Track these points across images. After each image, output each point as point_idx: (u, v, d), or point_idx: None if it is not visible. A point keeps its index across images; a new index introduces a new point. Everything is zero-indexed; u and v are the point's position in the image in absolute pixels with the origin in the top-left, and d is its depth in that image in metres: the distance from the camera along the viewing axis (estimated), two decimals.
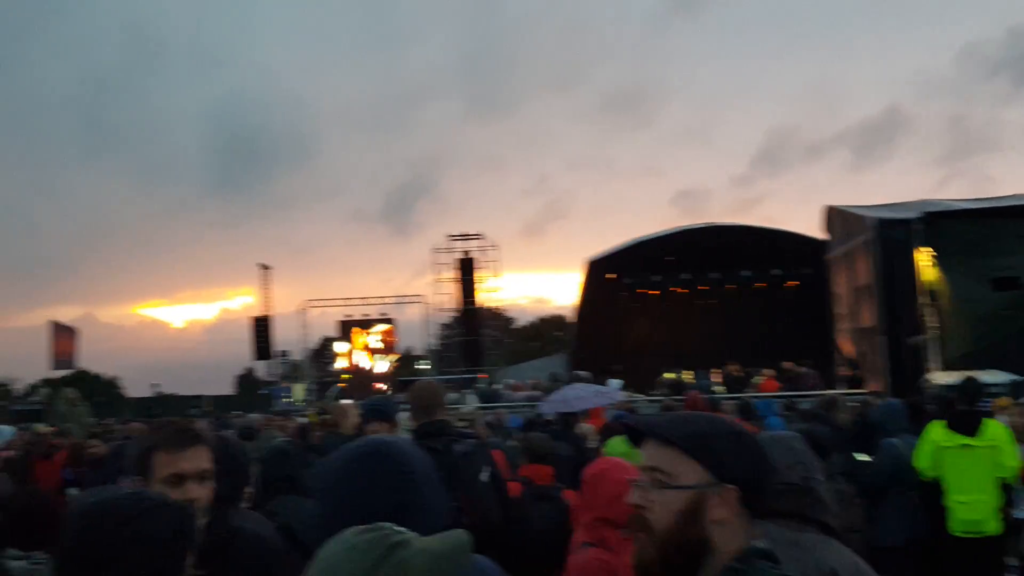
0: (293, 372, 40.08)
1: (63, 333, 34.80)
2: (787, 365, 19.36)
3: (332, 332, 40.71)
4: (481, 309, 36.78)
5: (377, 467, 1.67)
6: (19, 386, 59.29)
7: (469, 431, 5.24)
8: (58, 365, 34.99)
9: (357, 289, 72.59)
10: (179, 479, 2.15)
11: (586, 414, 9.16)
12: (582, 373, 14.14)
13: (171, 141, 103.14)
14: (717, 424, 1.56)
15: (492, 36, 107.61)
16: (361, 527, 1.24)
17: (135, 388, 48.16)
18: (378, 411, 5.83)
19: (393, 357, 37.50)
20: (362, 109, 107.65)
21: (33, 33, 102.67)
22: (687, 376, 21.21)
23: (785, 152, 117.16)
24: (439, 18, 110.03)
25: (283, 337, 38.49)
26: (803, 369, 18.94)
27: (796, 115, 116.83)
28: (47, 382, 35.47)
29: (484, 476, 3.88)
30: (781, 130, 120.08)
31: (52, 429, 11.75)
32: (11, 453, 8.95)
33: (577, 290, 26.45)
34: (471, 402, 15.42)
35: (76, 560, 1.52)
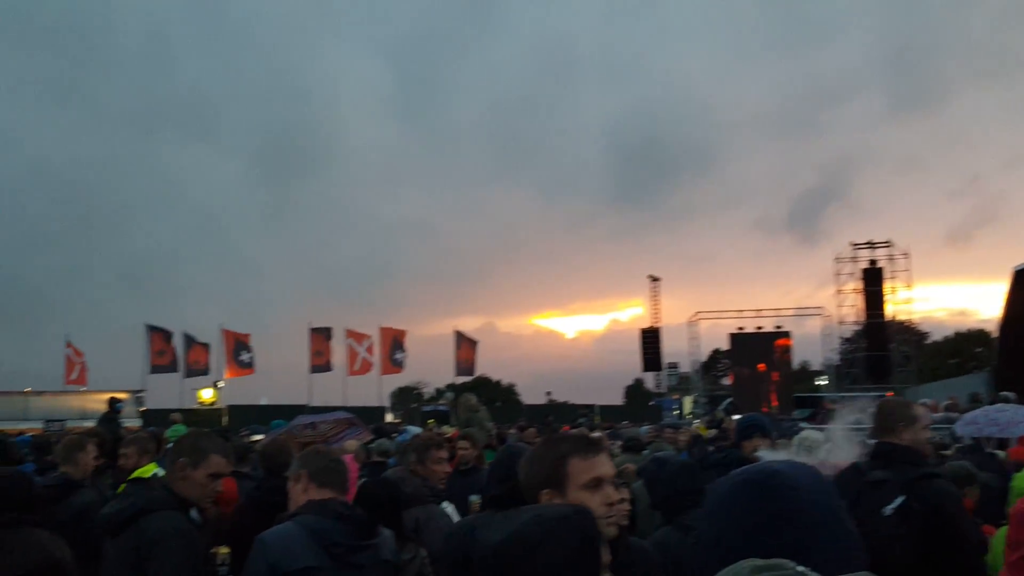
0: (682, 384, 40.41)
1: (466, 342, 38.28)
2: None
3: (723, 345, 40.50)
4: (890, 322, 34.44)
5: (762, 499, 1.54)
6: (428, 390, 66.53)
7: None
8: (461, 372, 38.58)
9: (751, 301, 71.56)
10: (598, 483, 2.22)
11: (1012, 441, 8.49)
12: (1008, 394, 12.42)
13: (574, 155, 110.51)
14: None
15: (916, 26, 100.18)
16: (760, 562, 1.18)
17: (530, 395, 51.44)
18: (756, 426, 5.47)
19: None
20: (770, 113, 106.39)
21: (448, 65, 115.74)
22: None
23: None
24: (856, 11, 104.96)
25: (672, 349, 38.73)
26: None
27: None
28: (451, 387, 39.31)
29: (889, 509, 3.56)
30: None
31: (453, 432, 12.79)
32: None
33: (1002, 302, 23.52)
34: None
35: None
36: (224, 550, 3.97)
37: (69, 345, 35.08)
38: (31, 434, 15.37)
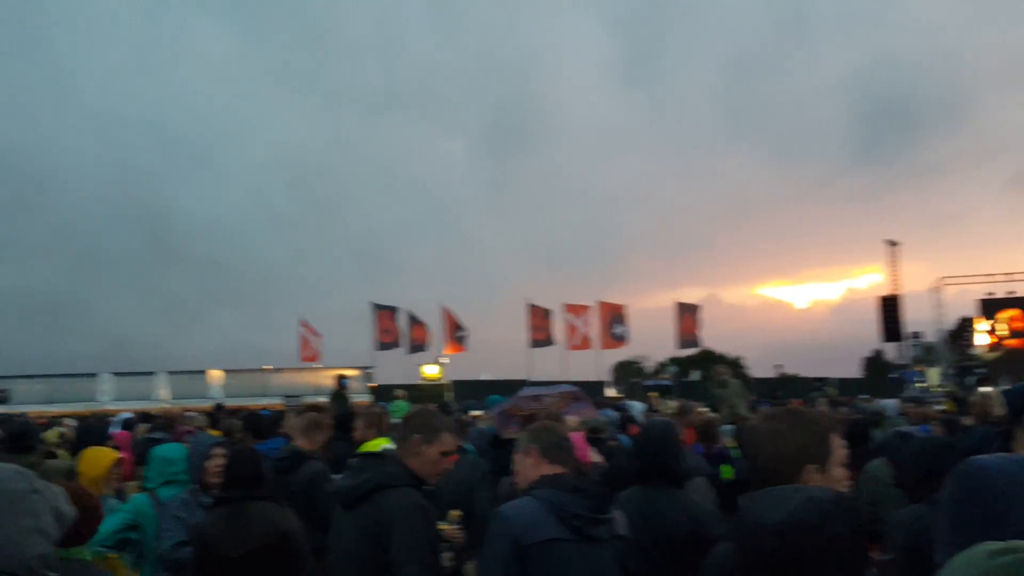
0: (927, 355, 37.87)
1: (687, 313, 37.64)
2: None
3: (970, 311, 37.88)
4: None
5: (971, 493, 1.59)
6: (649, 363, 66.14)
7: None
8: (683, 344, 38.02)
9: (1003, 264, 66.18)
10: (844, 461, 2.33)
11: None
12: None
13: (809, 116, 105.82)
14: None
15: None
16: (996, 546, 1.18)
17: (758, 368, 49.96)
18: None
19: None
20: None
21: (673, 26, 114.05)
22: None
23: None
24: None
25: (914, 317, 36.27)
26: None
27: None
28: (674, 360, 38.89)
29: None
30: None
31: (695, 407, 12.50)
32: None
33: None
34: None
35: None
36: (445, 526, 4.03)
37: (303, 323, 37.66)
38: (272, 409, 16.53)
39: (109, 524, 4.90)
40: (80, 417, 14.01)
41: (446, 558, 3.95)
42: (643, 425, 4.12)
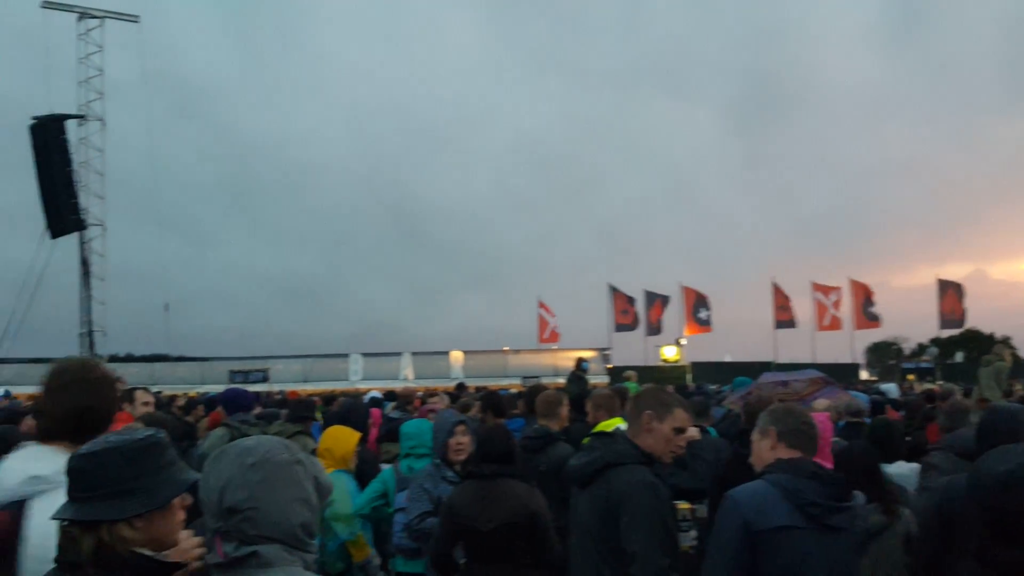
0: None
1: (951, 290, 35.04)
2: None
3: None
4: None
5: None
6: (908, 345, 62.14)
7: None
8: (946, 324, 35.44)
9: None
10: None
11: None
12: None
13: None
14: None
15: None
16: None
17: None
18: None
19: None
20: None
21: None
22: None
23: None
24: None
25: None
26: None
27: None
28: (935, 341, 36.29)
29: None
30: None
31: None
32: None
33: None
34: None
35: None
36: (685, 506, 4.00)
37: (542, 305, 38.45)
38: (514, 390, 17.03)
39: (367, 494, 5.30)
40: (334, 396, 15.06)
41: (689, 537, 3.95)
42: (990, 409, 3.87)
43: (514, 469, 4.46)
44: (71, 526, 2.00)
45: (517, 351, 40.13)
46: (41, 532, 2.38)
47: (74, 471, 2.06)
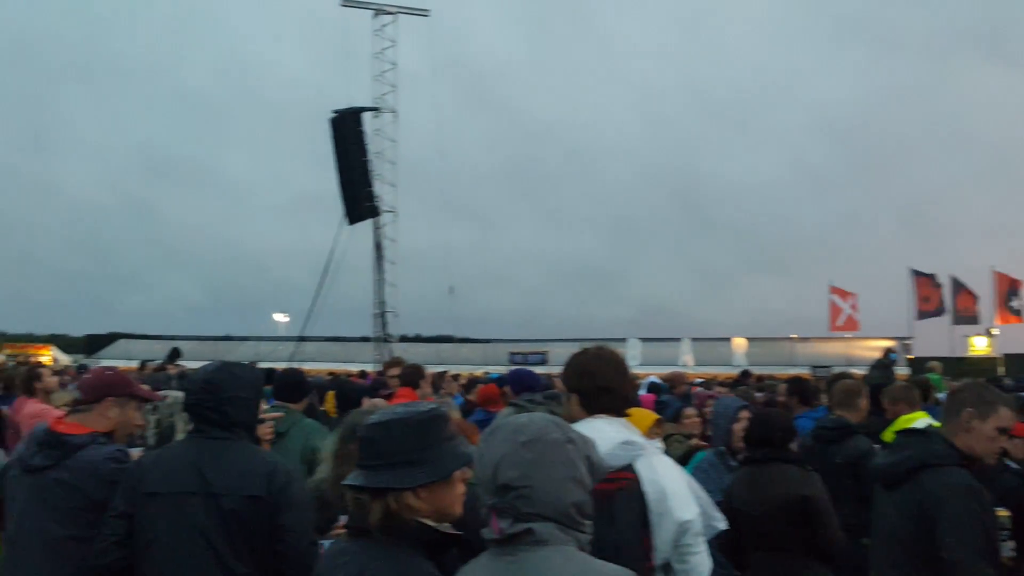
0: None
1: None
2: None
3: None
4: None
5: None
6: None
7: None
8: None
9: None
10: None
11: None
12: None
13: None
14: None
15: None
16: None
17: None
18: None
19: None
20: None
21: None
22: None
23: None
24: None
25: None
26: None
27: None
28: None
29: None
30: None
31: None
32: None
33: None
34: None
35: None
36: (1004, 513, 3.77)
37: (834, 290, 36.69)
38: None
39: None
40: None
41: (1008, 547, 3.70)
42: None
43: (789, 453, 4.41)
44: (361, 492, 2.11)
45: (806, 339, 38.65)
46: (652, 488, 2.91)
47: (365, 440, 2.18)
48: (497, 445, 2.01)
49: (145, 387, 3.98)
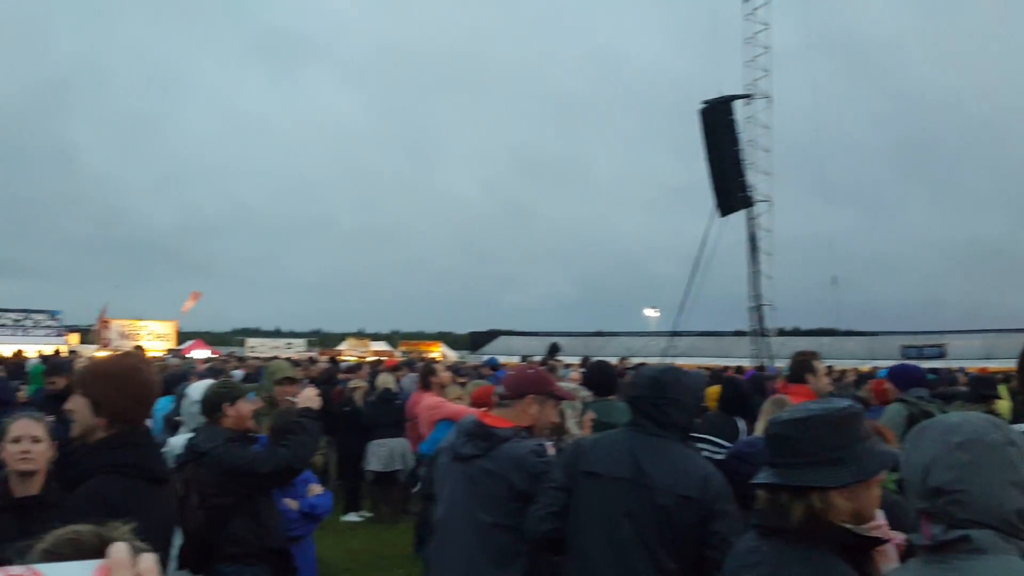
0: None
1: None
2: None
3: None
4: None
5: None
6: None
7: None
8: None
9: None
10: None
11: None
12: None
13: None
14: None
15: None
16: None
17: None
18: None
19: None
20: None
21: None
22: None
23: None
24: None
25: None
26: None
27: None
28: None
29: None
30: None
31: None
32: None
33: None
34: None
35: None
36: None
37: None
38: None
39: None
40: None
41: None
42: None
43: None
44: (779, 491, 2.14)
45: None
46: None
47: (779, 437, 2.19)
48: (927, 446, 1.92)
49: (563, 387, 4.30)
